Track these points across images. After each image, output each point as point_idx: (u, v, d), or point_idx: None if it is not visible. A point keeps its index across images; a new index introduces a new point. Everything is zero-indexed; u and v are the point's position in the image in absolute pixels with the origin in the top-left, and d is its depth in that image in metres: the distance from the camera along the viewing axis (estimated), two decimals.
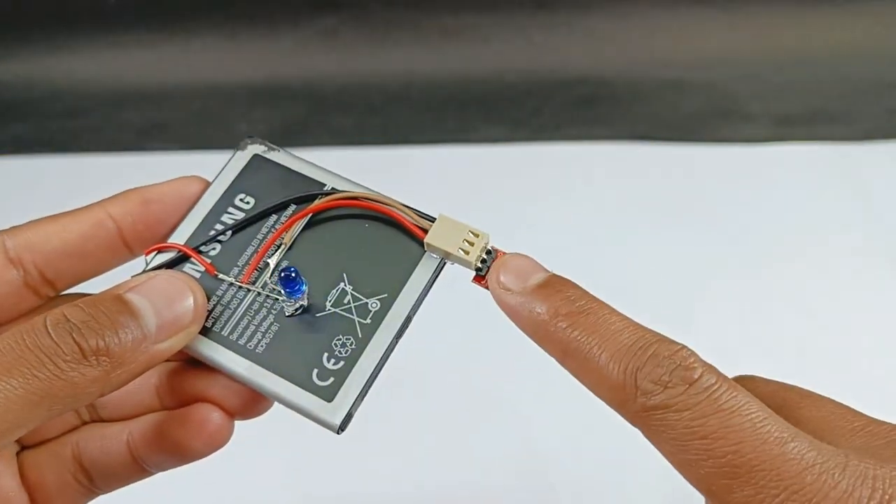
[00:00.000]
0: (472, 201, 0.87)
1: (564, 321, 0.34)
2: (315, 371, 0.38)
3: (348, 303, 0.39)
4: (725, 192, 0.89)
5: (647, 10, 1.00)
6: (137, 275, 0.39)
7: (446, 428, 0.74)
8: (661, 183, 0.90)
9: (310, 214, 0.41)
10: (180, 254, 0.40)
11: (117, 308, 0.34)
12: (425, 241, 0.39)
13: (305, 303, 0.39)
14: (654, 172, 0.91)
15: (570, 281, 0.36)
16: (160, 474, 0.41)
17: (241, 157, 0.43)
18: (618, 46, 1.00)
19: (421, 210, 0.40)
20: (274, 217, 0.41)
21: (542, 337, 0.35)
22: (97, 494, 0.42)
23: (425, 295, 0.39)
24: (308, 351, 0.38)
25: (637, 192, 0.89)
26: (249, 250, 0.40)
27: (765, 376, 0.36)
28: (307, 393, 0.37)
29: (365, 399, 0.38)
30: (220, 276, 0.40)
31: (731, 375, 0.32)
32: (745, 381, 0.36)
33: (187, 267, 0.40)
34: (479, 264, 0.38)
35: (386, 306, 0.39)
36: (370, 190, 0.41)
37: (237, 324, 0.39)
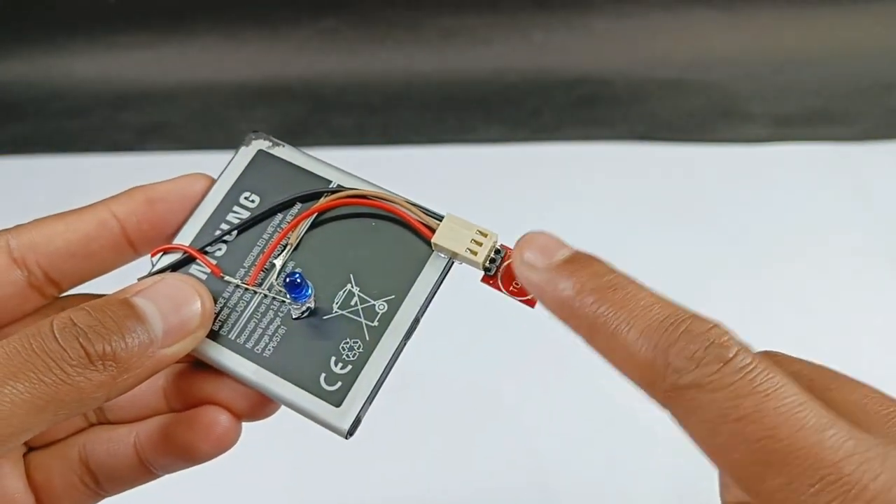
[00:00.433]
0: (472, 201, 0.86)
1: (591, 297, 0.32)
2: (323, 375, 0.37)
3: (355, 305, 0.38)
4: (725, 192, 0.89)
5: (647, 10, 1.00)
6: (144, 277, 0.39)
7: (451, 431, 0.74)
8: (661, 183, 0.90)
9: (315, 214, 0.40)
10: (186, 255, 0.40)
11: (124, 312, 0.34)
12: (433, 241, 0.38)
13: (312, 305, 0.38)
14: (654, 172, 0.91)
15: (595, 257, 0.34)
16: (166, 476, 0.41)
17: (246, 153, 0.43)
18: (618, 46, 1.00)
19: (428, 208, 0.39)
20: (279, 216, 0.41)
21: (568, 314, 0.33)
22: (103, 497, 0.41)
23: (433, 296, 0.39)
24: (315, 355, 0.38)
25: (637, 192, 0.89)
26: (255, 251, 0.40)
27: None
28: (315, 398, 0.37)
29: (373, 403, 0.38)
30: (227, 277, 0.40)
31: None
32: (767, 357, 0.33)
33: (193, 268, 0.40)
34: (488, 264, 0.38)
35: (393, 308, 0.38)
36: (376, 187, 0.40)
37: (244, 327, 0.39)
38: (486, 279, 0.38)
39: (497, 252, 0.38)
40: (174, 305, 0.36)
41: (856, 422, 0.29)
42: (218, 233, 0.40)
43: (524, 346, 0.76)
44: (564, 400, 0.75)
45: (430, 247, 0.39)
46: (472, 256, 0.37)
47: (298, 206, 0.41)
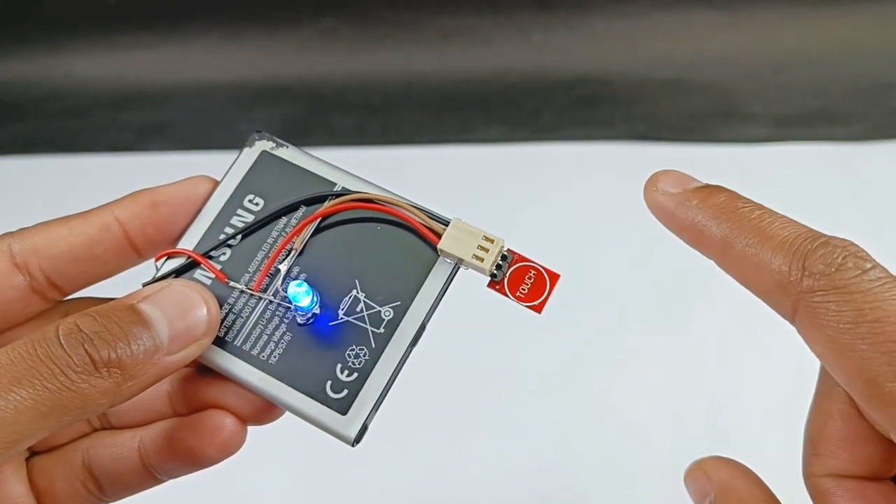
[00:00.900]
0: (472, 201, 0.87)
1: (727, 217, 0.33)
2: (329, 383, 0.37)
3: (361, 311, 0.38)
4: None
5: (647, 10, 0.99)
6: (149, 283, 0.39)
7: (452, 433, 0.74)
8: None
9: (320, 218, 0.40)
10: (190, 260, 0.40)
11: (131, 319, 0.33)
12: (439, 247, 0.38)
13: (318, 311, 0.38)
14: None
15: (728, 189, 0.35)
16: (169, 482, 0.41)
17: (250, 155, 0.42)
18: (618, 46, 1.00)
19: (434, 212, 0.39)
20: (284, 220, 0.41)
21: (701, 235, 0.34)
22: (106, 503, 0.41)
23: (439, 302, 0.39)
24: (321, 362, 0.38)
25: (637, 192, 0.88)
26: (260, 255, 0.40)
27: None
28: (321, 405, 0.37)
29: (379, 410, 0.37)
30: (231, 283, 0.40)
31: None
32: None
33: (198, 273, 0.40)
34: (495, 270, 0.38)
35: (399, 315, 0.38)
36: (381, 189, 0.40)
37: (249, 333, 0.39)
38: (492, 285, 0.38)
39: (503, 258, 0.38)
40: (180, 312, 0.36)
41: None
42: (222, 237, 0.40)
43: (527, 350, 0.76)
44: (566, 404, 0.75)
45: (436, 252, 0.39)
46: (478, 263, 0.37)
47: (303, 209, 0.41)
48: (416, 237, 0.39)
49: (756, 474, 0.37)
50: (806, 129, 0.94)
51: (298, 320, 0.39)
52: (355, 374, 0.37)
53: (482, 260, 0.37)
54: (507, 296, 0.38)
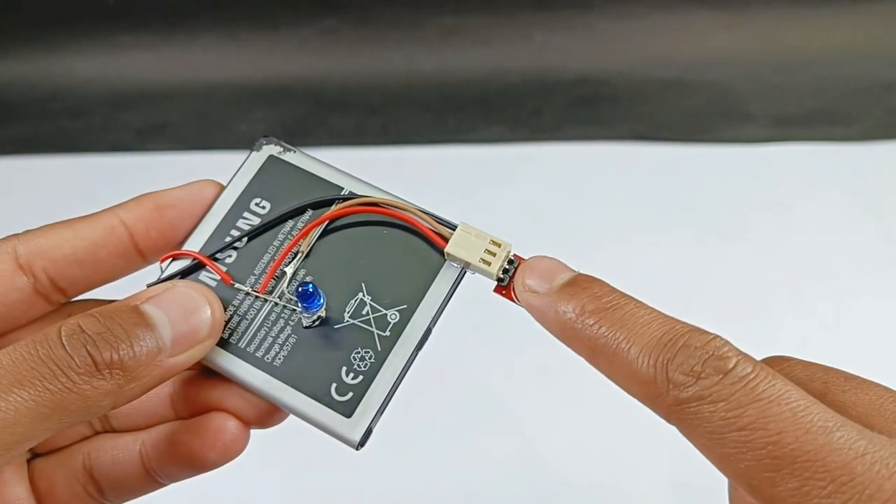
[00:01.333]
0: (472, 201, 0.87)
1: (591, 318, 0.33)
2: (334, 386, 0.37)
3: (367, 314, 0.38)
4: (725, 192, 0.89)
5: (647, 10, 0.99)
6: (153, 284, 0.39)
7: (454, 434, 0.74)
8: (661, 183, 0.90)
9: (327, 221, 0.40)
10: (196, 261, 0.40)
11: (134, 320, 0.33)
12: (446, 250, 0.38)
13: (323, 314, 0.38)
14: (654, 172, 0.91)
15: (597, 279, 0.35)
16: (170, 486, 0.41)
17: (257, 159, 0.42)
18: (618, 46, 1.00)
19: (441, 216, 0.39)
20: (290, 223, 0.40)
21: (570, 336, 0.34)
22: None
23: (445, 306, 0.38)
24: (326, 365, 0.38)
25: (637, 192, 0.89)
26: (266, 258, 0.40)
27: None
28: (326, 408, 0.37)
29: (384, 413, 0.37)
30: (237, 285, 0.39)
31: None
32: (778, 362, 0.34)
33: (203, 275, 0.40)
34: (501, 275, 0.38)
35: (405, 318, 0.38)
36: (387, 193, 0.40)
37: (254, 335, 0.39)
38: (498, 289, 0.38)
39: (510, 262, 0.38)
40: (184, 313, 0.36)
41: (869, 422, 0.29)
42: (228, 239, 0.40)
43: (532, 353, 0.76)
44: (568, 405, 0.75)
45: (443, 256, 0.39)
46: (485, 267, 0.37)
47: (310, 212, 0.41)
48: (422, 241, 0.39)
49: None
50: (806, 129, 0.94)
51: (304, 323, 0.38)
52: (360, 377, 0.37)
53: (489, 264, 0.37)
54: (514, 300, 0.37)
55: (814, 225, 0.86)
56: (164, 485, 0.41)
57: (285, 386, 0.38)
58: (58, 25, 0.98)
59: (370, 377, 0.37)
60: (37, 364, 0.30)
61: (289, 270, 0.39)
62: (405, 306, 0.38)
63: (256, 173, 0.42)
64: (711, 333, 0.31)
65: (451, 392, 0.75)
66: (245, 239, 0.40)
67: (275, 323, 0.39)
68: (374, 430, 0.37)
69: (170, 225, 0.40)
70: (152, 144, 0.95)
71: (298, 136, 0.94)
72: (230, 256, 0.40)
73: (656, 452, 0.72)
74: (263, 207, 0.41)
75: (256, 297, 0.39)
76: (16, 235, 0.39)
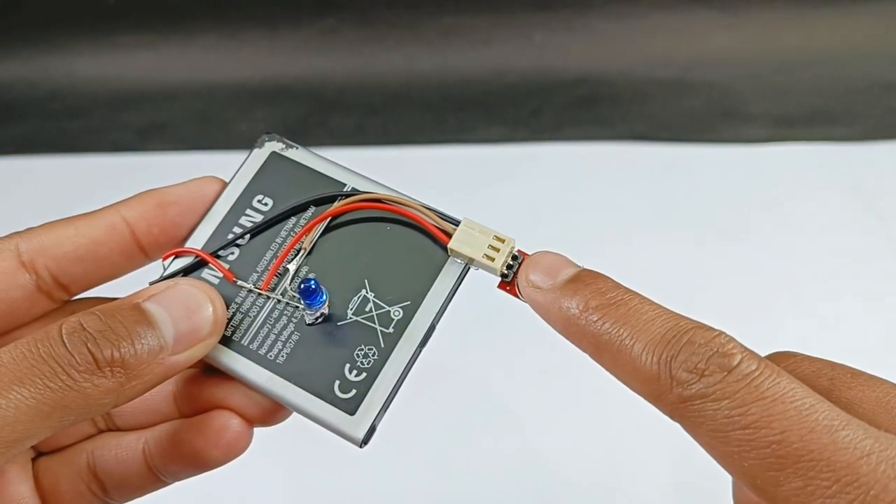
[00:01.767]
0: (472, 201, 0.87)
1: (595, 314, 0.32)
2: (337, 383, 0.37)
3: (370, 311, 0.38)
4: (725, 192, 0.89)
5: (647, 10, 1.00)
6: (155, 282, 0.39)
7: (454, 432, 0.74)
8: (661, 183, 0.90)
9: (329, 217, 0.40)
10: (198, 259, 0.40)
11: (135, 318, 0.33)
12: (449, 246, 0.38)
13: (326, 311, 0.38)
14: (654, 172, 0.91)
15: (601, 274, 0.35)
16: (174, 485, 0.41)
17: (259, 156, 0.42)
18: (618, 46, 1.00)
19: (444, 212, 0.39)
20: (293, 220, 0.40)
21: (574, 333, 0.34)
22: None
23: (449, 302, 0.38)
24: (330, 362, 0.37)
25: (637, 192, 0.89)
26: (268, 255, 0.40)
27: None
28: (329, 406, 0.37)
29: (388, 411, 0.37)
30: (239, 282, 0.39)
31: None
32: (784, 358, 0.33)
33: (205, 272, 0.40)
34: (505, 270, 0.37)
35: (409, 315, 0.38)
36: (391, 189, 0.40)
37: (257, 333, 0.38)
38: (502, 285, 0.38)
39: (514, 258, 0.38)
40: (186, 311, 0.35)
41: (875, 420, 0.29)
42: (230, 236, 0.40)
43: (532, 353, 0.76)
44: (568, 405, 0.75)
45: (447, 252, 0.38)
46: (489, 262, 0.37)
47: (312, 209, 0.40)
48: (426, 237, 0.39)
49: None
50: (806, 129, 0.94)
51: (307, 320, 0.38)
52: (364, 375, 0.37)
53: (493, 260, 0.37)
54: (518, 296, 0.37)
55: (814, 225, 0.86)
56: (167, 483, 0.41)
57: (288, 383, 0.37)
58: (58, 25, 0.98)
59: (373, 374, 0.37)
60: (37, 362, 0.30)
61: (291, 267, 0.39)
62: (409, 303, 0.38)
63: (259, 170, 0.42)
64: (716, 330, 0.30)
65: (451, 392, 0.75)
66: (247, 236, 0.40)
67: (277, 320, 0.39)
68: (377, 428, 0.37)
69: (172, 222, 0.40)
70: (152, 144, 0.95)
71: (298, 136, 0.93)
72: (233, 254, 0.40)
73: (656, 453, 0.72)
74: (266, 204, 0.41)
75: (259, 294, 0.39)
76: (18, 233, 0.39)
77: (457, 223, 0.38)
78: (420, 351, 0.38)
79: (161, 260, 0.40)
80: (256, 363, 0.38)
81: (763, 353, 0.31)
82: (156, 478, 0.40)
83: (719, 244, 0.85)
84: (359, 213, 0.40)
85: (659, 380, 0.30)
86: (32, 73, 0.99)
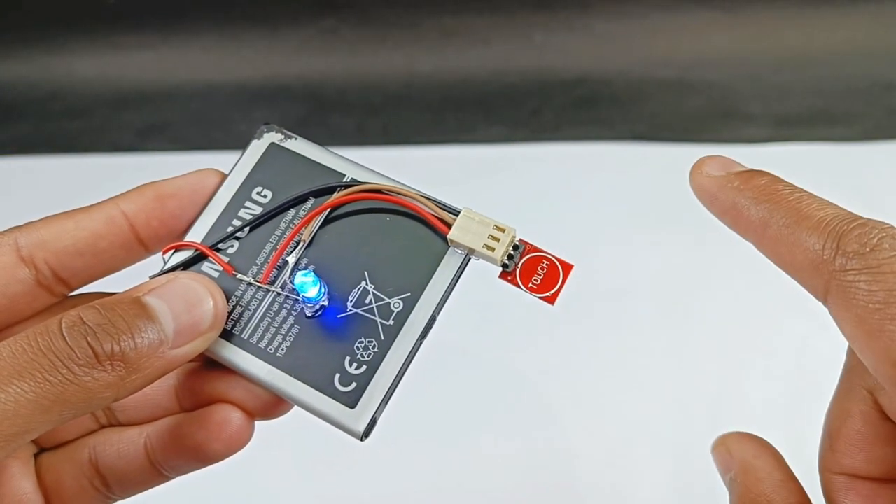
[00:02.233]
0: (471, 202, 0.87)
1: (770, 198, 0.32)
2: (337, 376, 0.37)
3: (370, 303, 0.38)
4: None
5: (647, 10, 1.00)
6: (156, 276, 0.39)
7: (454, 428, 0.74)
8: (661, 183, 0.90)
9: (329, 209, 0.40)
10: (198, 252, 0.40)
11: (135, 311, 0.33)
12: (449, 237, 0.38)
13: (326, 303, 0.38)
14: (654, 172, 0.91)
15: (770, 173, 0.35)
16: (176, 479, 0.41)
17: (258, 147, 0.42)
18: (618, 46, 1.00)
19: (444, 202, 0.39)
20: (292, 211, 0.40)
21: (741, 213, 0.34)
22: (113, 500, 0.41)
23: (449, 293, 0.38)
24: (330, 355, 0.37)
25: (637, 192, 0.89)
26: (268, 248, 0.40)
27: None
28: (329, 399, 0.37)
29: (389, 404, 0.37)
30: (239, 275, 0.39)
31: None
32: None
33: (205, 266, 0.40)
34: (506, 260, 0.37)
35: (409, 306, 0.38)
36: (390, 180, 0.40)
37: (257, 326, 0.38)
38: (503, 275, 0.38)
39: (515, 248, 0.38)
40: (186, 305, 0.35)
41: None
42: (230, 229, 0.40)
43: (532, 353, 0.76)
44: (568, 405, 0.75)
45: (447, 242, 0.38)
46: (489, 252, 0.37)
47: (311, 200, 0.40)
48: (426, 228, 0.39)
49: (778, 452, 0.37)
50: (806, 129, 0.94)
51: (307, 312, 0.38)
52: (364, 367, 0.37)
53: (493, 250, 0.37)
54: (519, 287, 0.37)
55: None
56: (169, 478, 0.41)
57: (288, 376, 0.37)
58: (58, 25, 0.98)
59: (374, 367, 0.37)
60: (37, 355, 0.30)
61: (291, 260, 0.39)
62: (409, 294, 0.38)
63: (258, 162, 0.42)
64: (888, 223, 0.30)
65: (450, 392, 0.75)
66: (247, 229, 0.40)
67: (277, 313, 0.39)
68: (378, 421, 0.37)
69: (171, 214, 0.40)
70: (152, 144, 0.95)
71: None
72: (232, 247, 0.40)
73: (657, 453, 0.72)
74: (265, 196, 0.41)
75: (259, 287, 0.39)
76: (17, 227, 0.39)
77: (457, 213, 0.38)
78: (421, 343, 0.38)
79: (161, 254, 0.40)
80: (257, 356, 0.38)
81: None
82: (158, 472, 0.40)
83: (719, 244, 0.85)
84: (358, 204, 0.40)
85: (823, 250, 0.30)
86: (32, 73, 0.99)
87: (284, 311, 0.39)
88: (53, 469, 0.40)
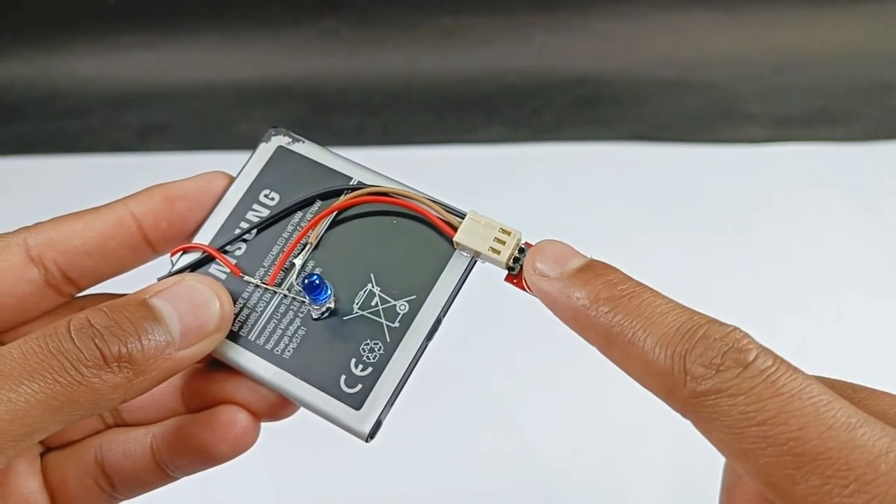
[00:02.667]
0: (471, 202, 0.87)
1: (606, 305, 0.32)
2: (343, 377, 0.37)
3: (376, 305, 0.38)
4: (725, 192, 0.89)
5: (647, 10, 1.00)
6: (163, 277, 0.39)
7: (454, 430, 0.74)
8: (661, 183, 0.90)
9: (336, 212, 0.40)
10: (206, 254, 0.40)
11: (142, 314, 0.33)
12: (454, 239, 0.38)
13: (332, 305, 0.38)
14: (654, 172, 0.91)
15: (611, 265, 0.34)
16: (181, 480, 0.41)
17: (266, 150, 0.42)
18: (618, 46, 1.00)
19: (450, 205, 0.39)
20: (299, 214, 0.40)
21: (583, 324, 0.33)
22: (118, 500, 0.41)
23: (455, 296, 0.38)
24: (336, 356, 0.38)
25: (637, 192, 0.89)
26: (275, 250, 0.40)
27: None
28: (335, 400, 0.37)
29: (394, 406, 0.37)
30: (246, 277, 0.39)
31: None
32: None
33: (213, 268, 0.40)
34: (512, 263, 0.37)
35: (415, 309, 0.38)
36: (397, 183, 0.40)
37: (264, 328, 0.39)
38: (509, 278, 0.38)
39: (521, 251, 0.37)
40: (192, 307, 0.36)
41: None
42: (237, 231, 0.40)
43: (532, 353, 0.76)
44: (568, 405, 0.75)
45: (453, 245, 0.38)
46: (495, 256, 0.37)
47: (318, 203, 0.40)
48: (432, 230, 0.39)
49: None
50: (806, 129, 0.94)
51: (313, 315, 0.38)
52: (370, 369, 0.37)
53: (499, 253, 0.37)
54: (525, 289, 0.37)
55: (814, 225, 0.86)
56: (174, 478, 0.41)
57: (295, 378, 0.38)
58: (58, 25, 0.98)
59: (379, 369, 0.37)
60: (46, 357, 0.31)
61: (298, 262, 0.39)
62: (414, 297, 0.38)
63: (266, 164, 0.42)
64: (731, 325, 0.30)
65: (450, 392, 0.75)
66: (254, 231, 0.40)
67: (284, 315, 0.39)
68: (383, 423, 0.37)
69: (179, 216, 0.40)
70: (152, 144, 0.95)
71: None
72: (240, 249, 0.40)
73: (656, 453, 0.72)
74: (273, 199, 0.41)
75: (266, 289, 0.39)
76: (26, 227, 0.39)
77: (463, 216, 0.38)
78: (426, 345, 0.38)
79: (169, 255, 0.41)
80: (263, 358, 0.38)
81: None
82: (163, 473, 0.40)
83: (719, 244, 0.85)
84: (365, 207, 0.40)
85: (672, 374, 0.29)
86: (32, 73, 0.99)
87: (291, 313, 0.39)
88: (59, 468, 0.40)
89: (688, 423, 0.30)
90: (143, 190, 0.40)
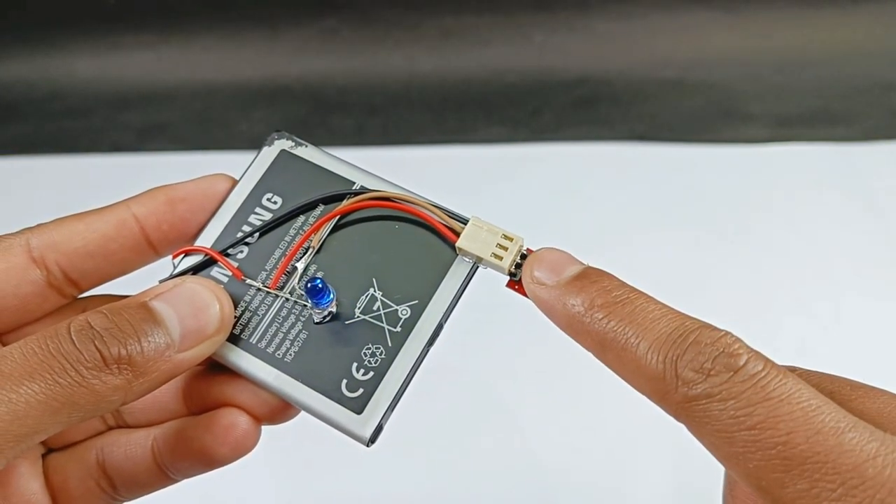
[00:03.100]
0: (471, 202, 0.87)
1: (600, 312, 0.32)
2: (344, 382, 0.37)
3: (378, 310, 0.38)
4: (725, 192, 0.89)
5: (647, 10, 1.00)
6: (164, 280, 0.39)
7: (454, 431, 0.74)
8: (661, 183, 0.90)
9: (338, 216, 0.40)
10: (208, 257, 0.40)
11: (142, 316, 0.33)
12: (457, 245, 0.38)
13: (334, 310, 0.38)
14: (654, 172, 0.91)
15: (606, 272, 0.34)
16: (182, 482, 0.41)
17: (268, 154, 0.42)
18: (618, 46, 1.00)
19: (453, 210, 0.39)
20: (302, 218, 0.40)
21: (578, 330, 0.33)
22: (120, 502, 0.41)
23: (457, 302, 0.38)
24: (337, 361, 0.38)
25: (637, 192, 0.89)
26: (277, 253, 0.40)
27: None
28: (336, 404, 0.37)
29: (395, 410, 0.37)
30: (248, 281, 0.39)
31: None
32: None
33: (215, 271, 0.40)
34: (514, 269, 0.37)
35: (416, 314, 0.38)
36: (400, 188, 0.40)
37: (265, 331, 0.39)
38: (511, 284, 0.38)
39: (523, 256, 0.37)
40: (192, 309, 0.36)
41: (879, 427, 0.28)
42: (240, 235, 0.40)
43: (532, 354, 0.76)
44: (568, 406, 0.75)
45: (455, 251, 0.38)
46: (497, 261, 0.37)
47: (321, 207, 0.41)
48: (434, 236, 0.39)
49: None
50: (806, 129, 0.94)
51: (315, 318, 0.38)
52: (371, 373, 0.37)
53: (501, 259, 0.37)
54: (527, 296, 0.37)
55: (814, 225, 0.86)
56: (175, 481, 0.41)
57: (296, 382, 0.38)
58: (58, 25, 0.98)
59: (381, 373, 0.37)
60: (47, 358, 0.31)
61: (300, 266, 0.39)
62: (416, 302, 0.38)
63: (268, 168, 0.42)
64: (722, 330, 0.30)
65: (450, 392, 0.75)
66: (256, 234, 0.40)
67: (286, 319, 0.39)
68: (384, 427, 0.37)
69: (181, 218, 0.40)
70: (152, 144, 0.95)
71: (298, 136, 0.94)
72: (242, 252, 0.40)
73: (656, 453, 0.72)
74: (275, 202, 0.41)
75: (268, 292, 0.39)
76: (29, 229, 0.39)
77: (465, 221, 0.38)
78: (427, 350, 0.38)
79: (171, 258, 0.41)
80: (264, 361, 0.38)
81: (773, 351, 0.31)
82: (164, 475, 0.40)
83: (719, 244, 0.85)
84: (367, 212, 0.40)
85: (664, 379, 0.30)
86: (32, 73, 0.99)
87: (293, 317, 0.39)
88: (61, 470, 0.40)
89: None
90: (146, 191, 0.40)
